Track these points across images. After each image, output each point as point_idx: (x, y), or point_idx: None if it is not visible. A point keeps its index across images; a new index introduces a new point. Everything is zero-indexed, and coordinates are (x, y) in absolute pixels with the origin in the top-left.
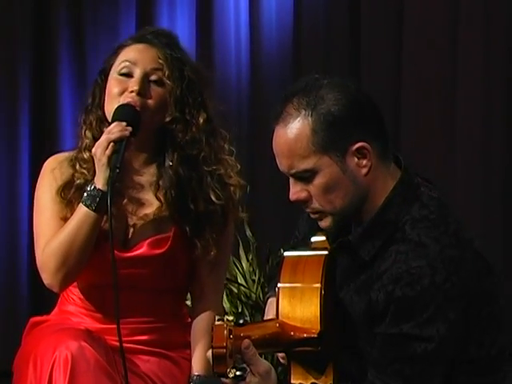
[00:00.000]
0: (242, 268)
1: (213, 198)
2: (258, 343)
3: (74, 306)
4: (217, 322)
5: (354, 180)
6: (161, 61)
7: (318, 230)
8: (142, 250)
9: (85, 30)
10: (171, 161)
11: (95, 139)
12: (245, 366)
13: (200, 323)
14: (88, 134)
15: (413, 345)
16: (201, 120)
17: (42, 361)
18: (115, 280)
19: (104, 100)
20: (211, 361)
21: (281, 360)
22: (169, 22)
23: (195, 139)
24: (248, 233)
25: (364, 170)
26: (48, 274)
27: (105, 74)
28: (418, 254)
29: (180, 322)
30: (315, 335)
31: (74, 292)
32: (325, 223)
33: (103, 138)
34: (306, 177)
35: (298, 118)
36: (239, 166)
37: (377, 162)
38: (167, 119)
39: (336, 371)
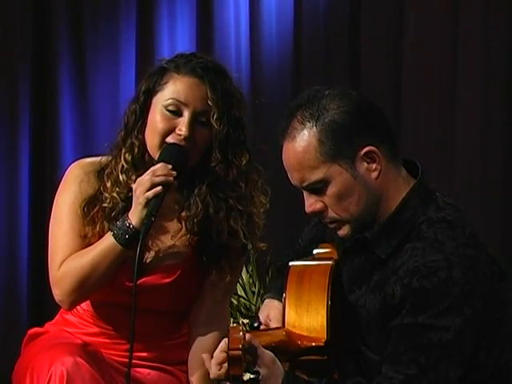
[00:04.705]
0: (242, 280)
1: (240, 236)
2: None
3: (75, 318)
4: (232, 325)
5: (366, 185)
6: (210, 102)
7: (321, 242)
8: (152, 279)
9: (85, 43)
10: (201, 189)
11: (134, 165)
12: (258, 369)
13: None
14: (128, 157)
15: (429, 334)
16: (243, 161)
17: (38, 376)
18: (133, 311)
19: (146, 123)
20: (226, 364)
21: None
22: (169, 35)
23: (236, 182)
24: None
25: (374, 174)
26: (61, 292)
27: (149, 95)
28: (435, 250)
29: (178, 340)
30: (322, 344)
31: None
32: (343, 231)
33: (147, 177)
34: (318, 188)
35: (304, 131)
36: (268, 206)
37: (386, 165)
38: (212, 164)
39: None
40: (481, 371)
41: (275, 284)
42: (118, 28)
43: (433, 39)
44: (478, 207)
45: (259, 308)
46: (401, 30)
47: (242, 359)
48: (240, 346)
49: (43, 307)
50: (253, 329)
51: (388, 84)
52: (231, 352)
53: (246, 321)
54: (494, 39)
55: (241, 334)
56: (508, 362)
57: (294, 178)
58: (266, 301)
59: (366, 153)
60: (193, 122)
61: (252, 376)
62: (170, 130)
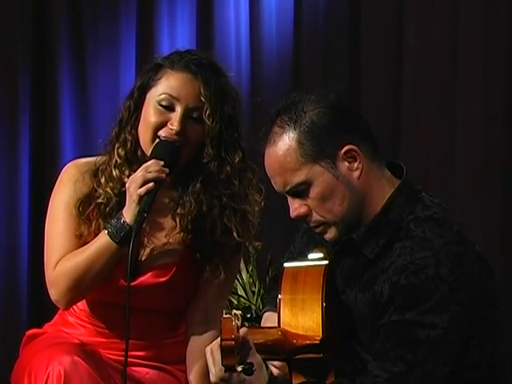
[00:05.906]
0: (242, 279)
1: (234, 234)
2: (260, 349)
3: (73, 318)
4: (225, 316)
5: (348, 184)
6: (203, 98)
7: (315, 247)
8: (147, 278)
9: (85, 44)
10: (195, 187)
11: (127, 160)
12: (251, 361)
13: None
14: (121, 152)
15: (415, 331)
16: (236, 159)
17: (36, 376)
18: (127, 308)
19: (139, 119)
20: (219, 354)
21: (274, 373)
22: (169, 35)
23: (229, 179)
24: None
25: (356, 173)
26: (57, 292)
27: (143, 91)
28: (423, 247)
29: (176, 339)
30: (317, 341)
31: (77, 304)
32: (329, 235)
33: (139, 174)
34: (301, 190)
35: (283, 135)
36: (263, 204)
37: (368, 164)
38: (204, 160)
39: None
40: (475, 369)
41: (272, 296)
42: (118, 28)
43: (433, 39)
44: (478, 207)
45: (259, 307)
46: (401, 30)
47: (235, 350)
48: (233, 337)
49: (43, 307)
50: (246, 320)
51: (388, 84)
52: (224, 342)
53: (238, 312)
54: (493, 39)
55: (233, 324)
56: (502, 360)
57: (276, 182)
58: (265, 314)
59: (346, 152)
60: (185, 118)
61: (246, 367)
62: (163, 125)
